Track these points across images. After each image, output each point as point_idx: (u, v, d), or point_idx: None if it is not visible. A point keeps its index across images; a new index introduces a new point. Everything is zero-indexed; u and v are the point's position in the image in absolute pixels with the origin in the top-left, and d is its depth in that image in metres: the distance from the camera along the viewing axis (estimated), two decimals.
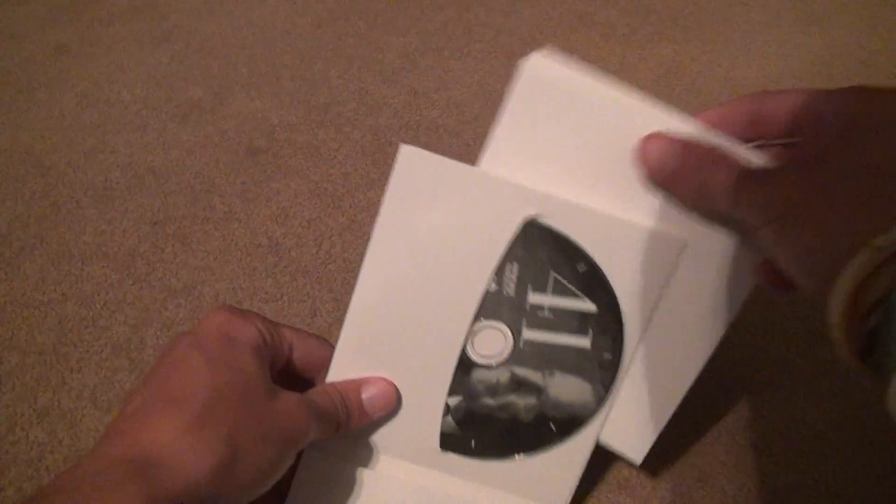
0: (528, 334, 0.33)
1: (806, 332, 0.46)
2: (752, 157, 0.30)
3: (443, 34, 0.71)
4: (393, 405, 0.34)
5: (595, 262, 0.32)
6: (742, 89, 0.62)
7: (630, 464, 0.37)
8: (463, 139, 0.60)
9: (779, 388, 0.44)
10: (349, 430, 0.33)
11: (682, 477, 0.40)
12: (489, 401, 0.34)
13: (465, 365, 0.33)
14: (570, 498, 0.36)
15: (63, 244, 0.56)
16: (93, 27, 0.77)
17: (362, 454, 0.36)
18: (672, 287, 0.32)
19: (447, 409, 0.34)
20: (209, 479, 0.26)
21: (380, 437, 0.35)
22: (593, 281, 0.32)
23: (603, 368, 0.33)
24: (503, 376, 0.34)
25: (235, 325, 0.31)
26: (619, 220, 0.31)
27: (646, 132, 0.31)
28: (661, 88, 0.63)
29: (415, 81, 0.67)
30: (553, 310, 0.33)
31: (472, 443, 0.35)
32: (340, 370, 0.34)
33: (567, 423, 0.34)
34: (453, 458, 0.35)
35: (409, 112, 0.64)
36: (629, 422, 0.35)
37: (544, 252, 0.32)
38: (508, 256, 0.32)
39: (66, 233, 0.56)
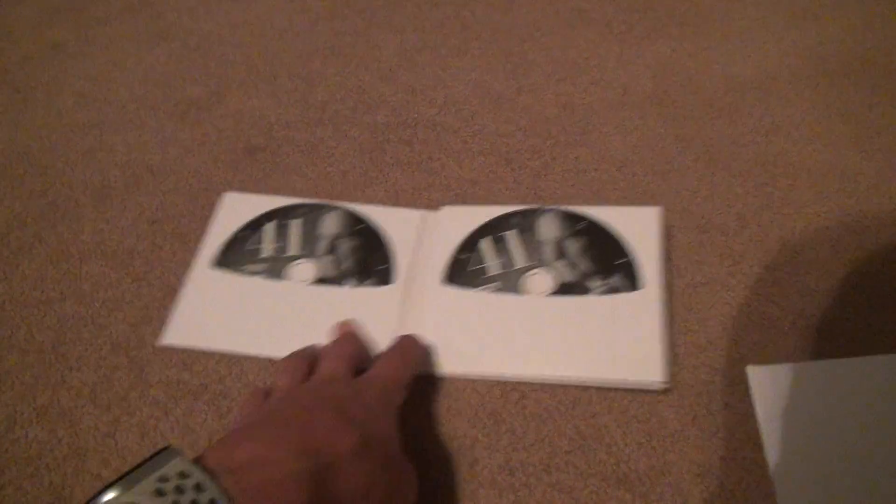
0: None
1: (802, 329, 0.46)
2: None
3: (440, 31, 0.71)
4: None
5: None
6: (739, 85, 0.62)
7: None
8: (461, 136, 0.60)
9: None
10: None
11: (681, 471, 0.41)
12: None
13: None
14: None
15: (62, 243, 0.56)
16: (89, 26, 0.77)
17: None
18: None
19: None
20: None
21: None
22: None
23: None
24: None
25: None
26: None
27: None
28: (658, 85, 0.63)
29: (412, 79, 0.67)
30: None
31: None
32: None
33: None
34: None
35: (407, 109, 0.64)
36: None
37: None
38: None
39: (64, 232, 0.57)
